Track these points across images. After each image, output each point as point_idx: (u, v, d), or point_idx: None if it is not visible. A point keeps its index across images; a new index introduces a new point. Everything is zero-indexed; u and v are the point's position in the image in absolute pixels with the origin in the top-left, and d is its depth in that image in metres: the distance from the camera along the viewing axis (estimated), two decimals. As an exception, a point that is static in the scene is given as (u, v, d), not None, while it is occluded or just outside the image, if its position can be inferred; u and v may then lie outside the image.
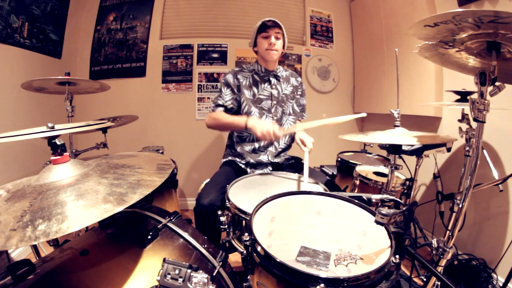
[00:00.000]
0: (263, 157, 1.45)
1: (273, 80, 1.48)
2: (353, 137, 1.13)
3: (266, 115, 1.46)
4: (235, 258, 1.62)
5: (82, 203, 0.51)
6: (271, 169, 1.45)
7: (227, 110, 1.42)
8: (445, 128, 1.86)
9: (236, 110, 1.45)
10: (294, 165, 1.51)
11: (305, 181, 1.10)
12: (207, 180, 1.35)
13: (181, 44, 2.51)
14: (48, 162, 0.67)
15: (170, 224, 0.75)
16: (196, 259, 0.69)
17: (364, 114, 1.17)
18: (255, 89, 1.45)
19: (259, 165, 1.45)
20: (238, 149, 1.47)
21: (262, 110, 1.45)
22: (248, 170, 1.43)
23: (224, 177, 1.31)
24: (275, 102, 1.47)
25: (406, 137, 1.07)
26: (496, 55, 0.76)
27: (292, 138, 1.53)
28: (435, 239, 0.95)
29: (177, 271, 0.56)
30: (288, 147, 1.57)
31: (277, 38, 1.38)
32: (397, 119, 1.19)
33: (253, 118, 1.30)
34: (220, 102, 1.42)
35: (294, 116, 1.55)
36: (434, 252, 0.95)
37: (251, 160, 1.44)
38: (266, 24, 1.36)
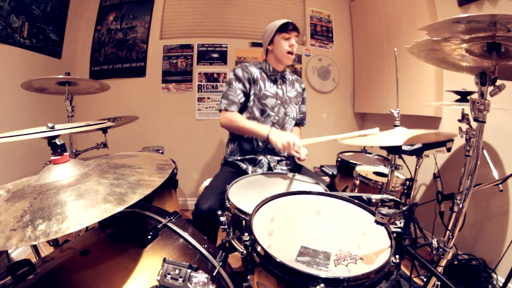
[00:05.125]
0: (263, 159, 1.43)
1: (279, 81, 1.48)
2: (352, 141, 1.10)
3: (268, 113, 1.42)
4: (235, 258, 1.62)
5: (82, 203, 0.51)
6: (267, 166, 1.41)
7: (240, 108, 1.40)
8: (445, 128, 1.86)
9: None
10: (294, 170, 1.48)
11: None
12: (207, 181, 1.34)
13: (181, 44, 2.51)
14: (48, 162, 0.67)
15: (170, 224, 0.75)
16: (196, 259, 0.68)
17: (376, 130, 1.07)
18: (261, 84, 1.43)
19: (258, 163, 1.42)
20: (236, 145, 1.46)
21: (265, 107, 1.41)
22: (250, 168, 1.39)
23: (223, 181, 1.28)
24: (279, 101, 1.46)
25: (406, 136, 1.07)
26: (496, 55, 0.76)
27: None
28: (435, 239, 0.95)
29: (177, 271, 0.56)
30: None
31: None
32: (397, 119, 1.19)
33: (275, 130, 1.24)
34: (233, 99, 1.36)
35: (294, 121, 1.55)
36: (434, 252, 0.95)
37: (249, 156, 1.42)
38: (288, 25, 1.34)
